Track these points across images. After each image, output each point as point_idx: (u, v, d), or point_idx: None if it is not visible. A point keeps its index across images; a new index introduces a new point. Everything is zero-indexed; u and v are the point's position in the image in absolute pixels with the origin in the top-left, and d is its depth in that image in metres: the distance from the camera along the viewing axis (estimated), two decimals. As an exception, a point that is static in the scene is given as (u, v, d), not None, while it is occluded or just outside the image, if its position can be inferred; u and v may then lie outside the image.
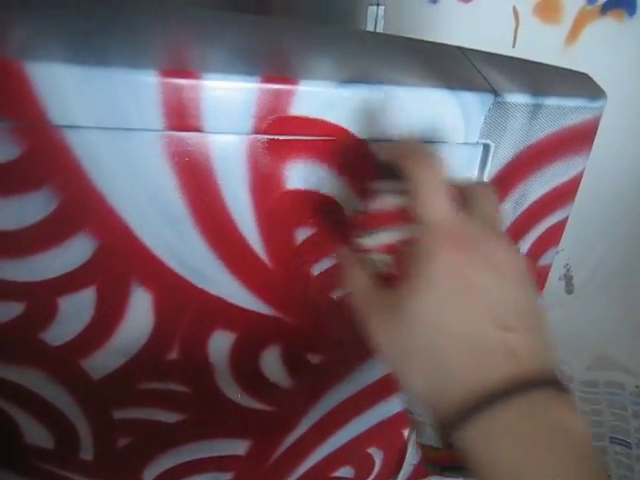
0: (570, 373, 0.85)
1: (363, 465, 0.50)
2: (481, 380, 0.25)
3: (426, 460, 0.34)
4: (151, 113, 0.30)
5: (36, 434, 0.39)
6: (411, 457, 0.51)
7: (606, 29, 0.79)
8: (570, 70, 0.43)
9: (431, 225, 0.27)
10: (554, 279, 0.91)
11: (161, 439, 0.41)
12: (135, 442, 0.41)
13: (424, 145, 0.34)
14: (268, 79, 0.31)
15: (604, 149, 0.77)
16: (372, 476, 0.51)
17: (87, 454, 0.40)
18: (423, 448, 0.34)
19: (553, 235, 0.44)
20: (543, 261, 0.47)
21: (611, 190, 0.87)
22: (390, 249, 0.31)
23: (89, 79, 0.29)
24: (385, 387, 0.45)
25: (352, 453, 0.48)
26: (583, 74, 0.43)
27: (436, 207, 0.28)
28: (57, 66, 0.28)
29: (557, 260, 0.87)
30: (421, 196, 0.28)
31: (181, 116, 0.31)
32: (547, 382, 0.26)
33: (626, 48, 0.80)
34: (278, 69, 0.32)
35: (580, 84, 0.42)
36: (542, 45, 0.77)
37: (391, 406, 0.46)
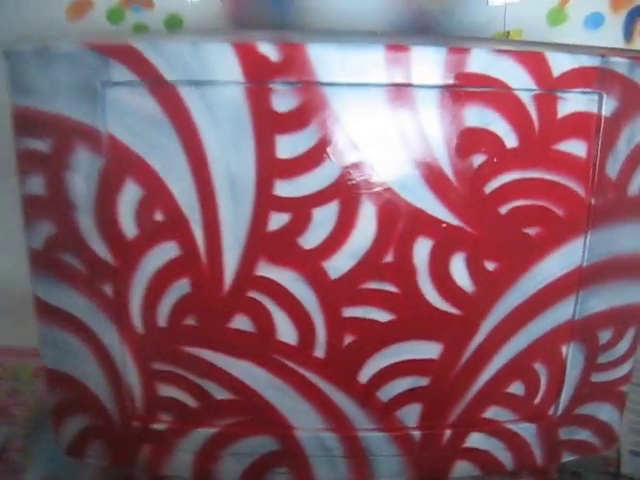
0: None
1: (531, 381, 0.57)
2: None
3: None
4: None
5: (286, 329, 0.50)
6: (570, 377, 0.57)
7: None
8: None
9: None
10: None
11: (375, 338, 0.52)
12: (356, 341, 0.51)
13: None
14: (453, 49, 0.48)
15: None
16: (538, 397, 0.58)
17: (320, 351, 0.51)
18: None
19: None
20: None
21: None
22: None
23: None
24: (543, 299, 0.54)
25: (521, 367, 0.56)
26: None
27: None
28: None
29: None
30: None
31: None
32: None
33: None
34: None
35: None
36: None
37: (550, 319, 0.55)
